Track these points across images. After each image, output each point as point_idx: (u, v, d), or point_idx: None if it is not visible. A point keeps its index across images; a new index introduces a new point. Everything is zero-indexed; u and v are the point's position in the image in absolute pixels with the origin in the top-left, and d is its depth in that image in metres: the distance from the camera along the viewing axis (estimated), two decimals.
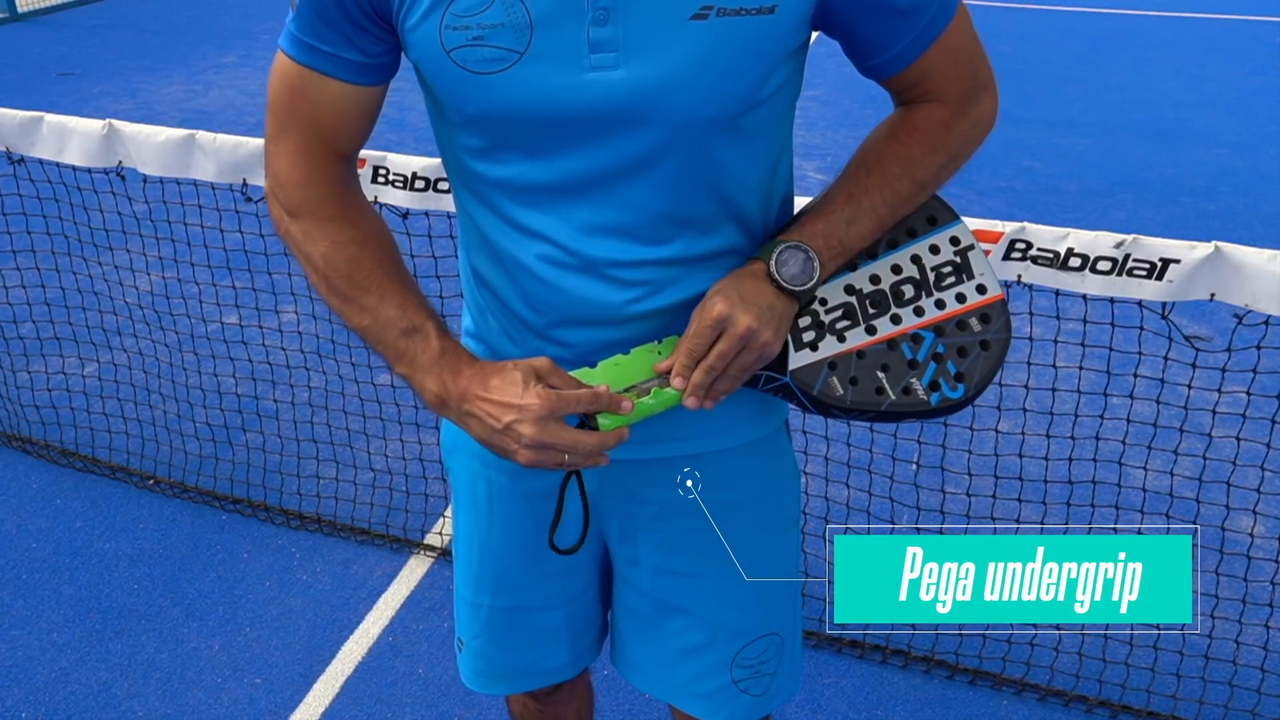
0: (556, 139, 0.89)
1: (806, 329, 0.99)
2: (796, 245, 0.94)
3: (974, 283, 1.02)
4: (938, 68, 0.95)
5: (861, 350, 0.99)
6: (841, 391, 0.98)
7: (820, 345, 0.98)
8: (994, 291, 1.02)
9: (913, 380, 0.98)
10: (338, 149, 0.99)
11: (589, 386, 0.93)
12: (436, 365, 0.94)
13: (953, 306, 1.01)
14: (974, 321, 1.01)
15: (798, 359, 0.98)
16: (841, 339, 0.99)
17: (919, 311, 1.00)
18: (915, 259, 1.01)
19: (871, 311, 1.00)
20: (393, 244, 1.01)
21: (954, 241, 1.02)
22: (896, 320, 1.00)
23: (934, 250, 1.02)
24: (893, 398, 0.98)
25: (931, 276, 1.01)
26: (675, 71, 0.85)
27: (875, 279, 1.01)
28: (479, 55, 0.86)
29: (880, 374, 0.98)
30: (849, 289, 1.00)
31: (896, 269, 1.01)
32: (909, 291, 1.01)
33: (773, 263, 0.93)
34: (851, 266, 1.01)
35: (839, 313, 1.00)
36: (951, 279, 1.01)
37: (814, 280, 0.94)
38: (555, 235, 0.94)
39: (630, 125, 0.87)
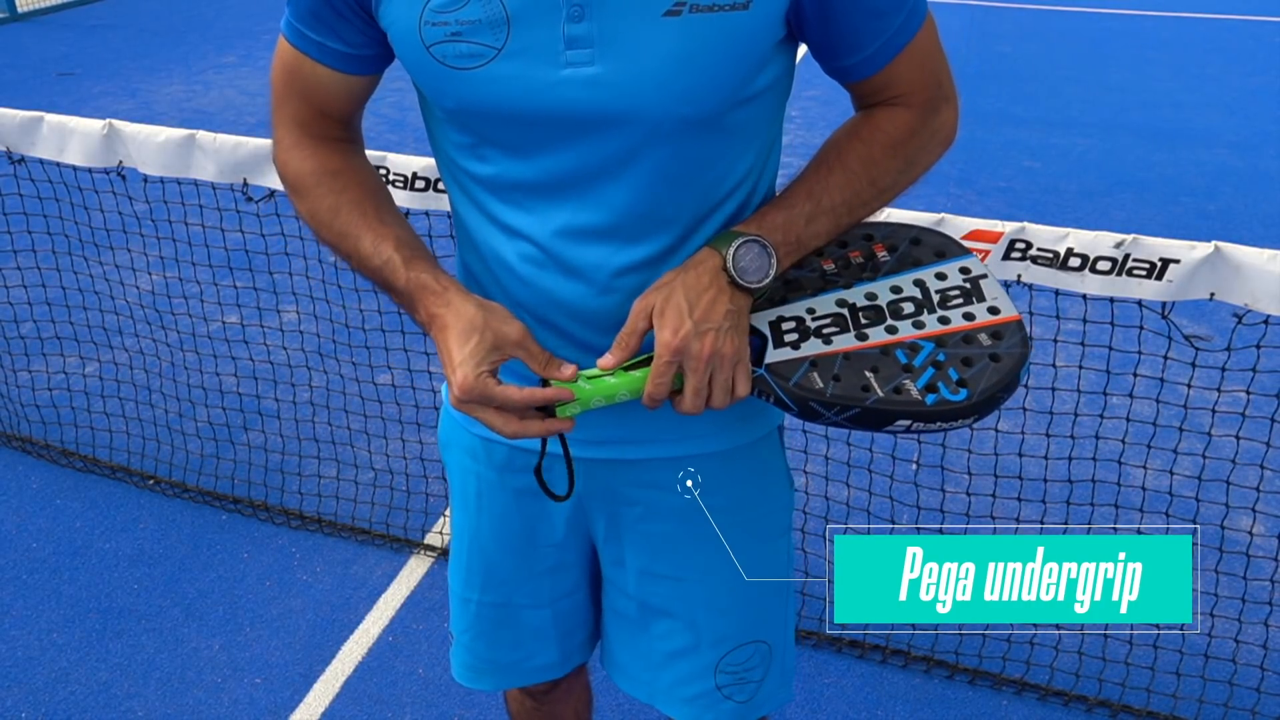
0: (535, 136, 0.89)
1: (789, 331, 0.94)
2: (755, 239, 0.91)
3: (985, 304, 0.95)
4: (904, 75, 0.95)
5: (849, 353, 0.93)
6: (821, 385, 0.91)
7: (803, 345, 0.94)
8: (1008, 313, 0.95)
9: (905, 381, 0.91)
10: (332, 117, 1.04)
11: (561, 376, 0.91)
12: (405, 296, 0.96)
13: (959, 323, 0.94)
14: (983, 337, 0.93)
15: (776, 355, 0.93)
16: (828, 342, 0.94)
17: (919, 325, 0.94)
18: (918, 282, 0.96)
19: (864, 322, 0.95)
20: (377, 188, 1.03)
21: (964, 270, 0.97)
22: (892, 330, 0.94)
23: (940, 277, 0.97)
24: (880, 394, 0.90)
25: (936, 297, 0.96)
26: (649, 68, 0.85)
27: (871, 295, 0.96)
28: (457, 51, 0.87)
29: (868, 374, 0.91)
30: (841, 302, 0.96)
31: (896, 289, 0.96)
32: (908, 308, 0.95)
33: (730, 256, 0.90)
34: (847, 285, 0.97)
35: (827, 320, 0.95)
36: (959, 300, 0.95)
37: (769, 276, 0.92)
38: (536, 236, 0.94)
39: (606, 123, 0.87)
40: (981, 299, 0.95)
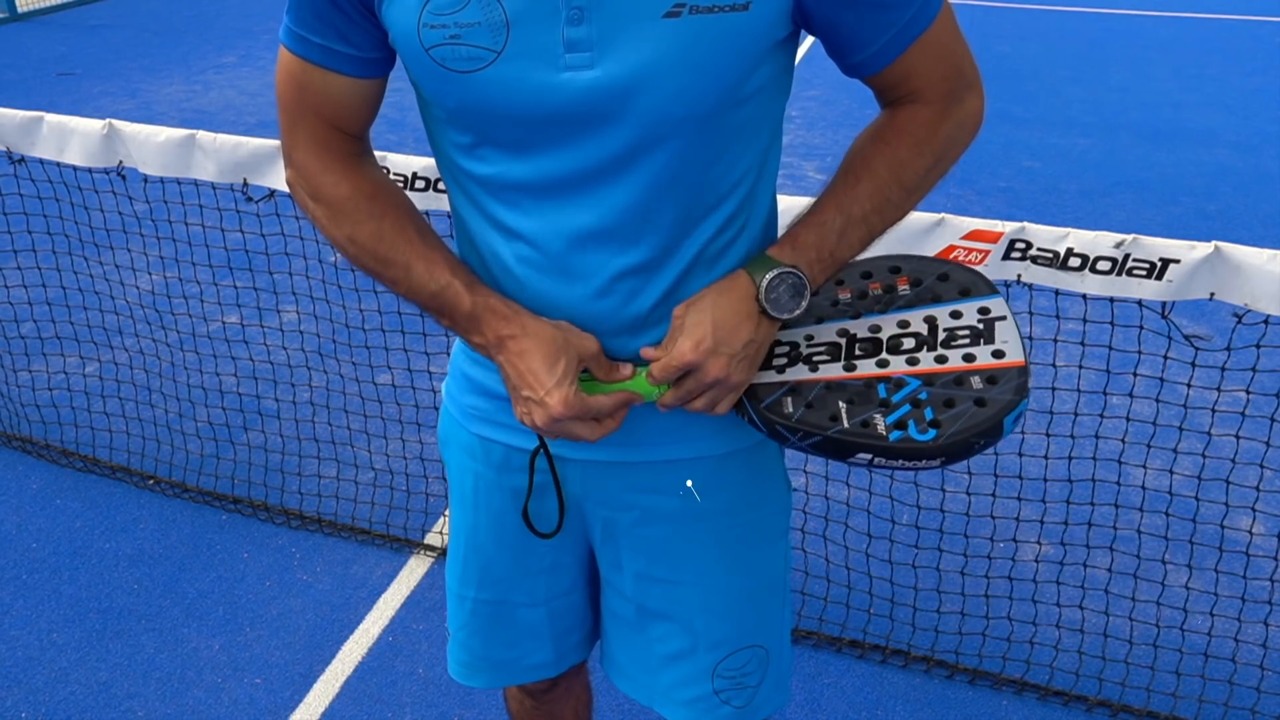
0: (535, 137, 0.89)
1: (779, 355, 0.96)
2: (790, 270, 0.93)
3: (991, 347, 0.93)
4: (920, 67, 0.93)
5: (831, 382, 0.94)
6: (790, 410, 0.92)
7: (787, 370, 0.95)
8: (1013, 358, 0.92)
9: (876, 415, 0.90)
10: (348, 131, 1.02)
11: (621, 378, 0.96)
12: (473, 321, 0.97)
13: (955, 363, 0.92)
14: (975, 379, 0.91)
15: (759, 376, 0.95)
16: (814, 369, 0.95)
17: (913, 361, 0.93)
18: (928, 319, 0.96)
19: (858, 353, 0.95)
20: (412, 209, 1.03)
21: (982, 311, 0.95)
22: (883, 364, 0.94)
23: (955, 315, 0.95)
24: (845, 425, 0.90)
25: (941, 336, 0.94)
26: (648, 70, 0.85)
27: (875, 328, 0.96)
28: (457, 54, 0.86)
29: (841, 404, 0.92)
30: (842, 332, 0.97)
31: (903, 324, 0.95)
32: (908, 344, 0.94)
33: (763, 288, 0.93)
34: (854, 315, 0.97)
35: (821, 348, 0.96)
36: (965, 340, 0.94)
37: (802, 307, 0.94)
38: (534, 237, 0.94)
39: (606, 124, 0.87)
40: (990, 341, 0.93)
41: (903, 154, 0.96)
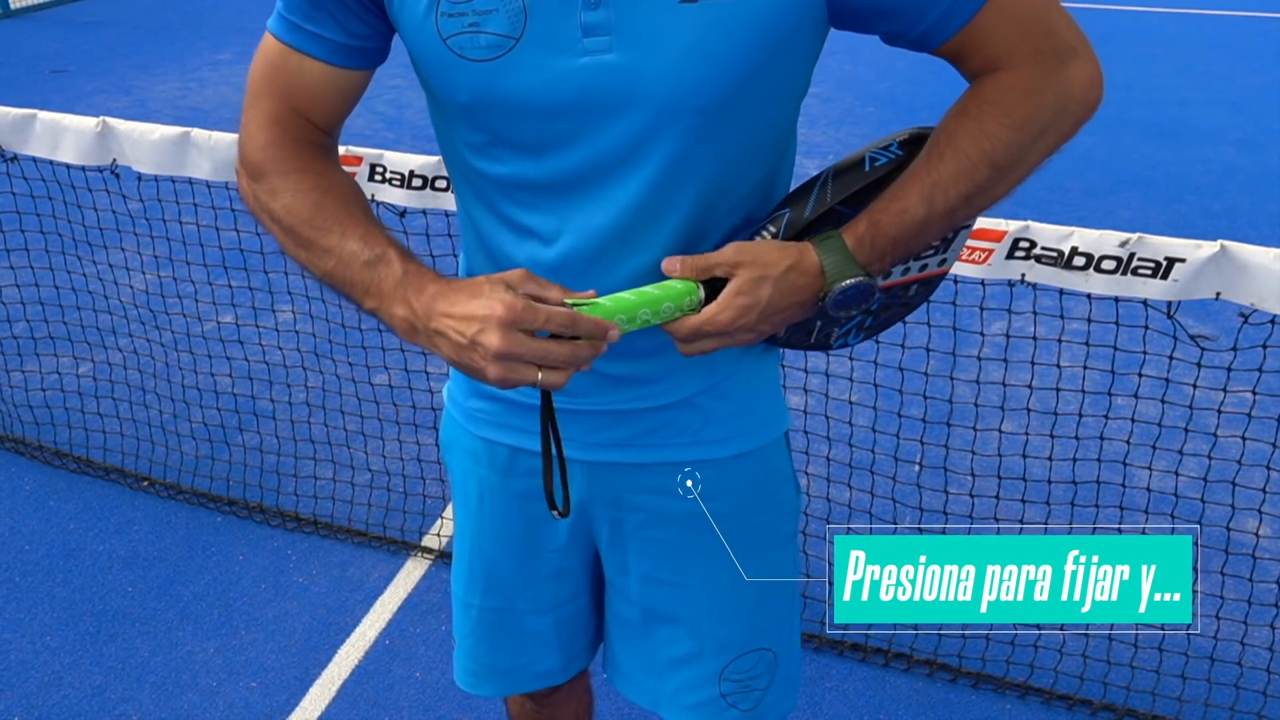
0: (549, 131, 0.87)
1: None
2: (864, 285, 0.89)
3: (940, 256, 0.99)
4: (996, 32, 0.84)
5: None
6: (780, 334, 0.99)
7: None
8: (948, 265, 1.01)
9: (834, 329, 1.01)
10: (315, 122, 0.98)
11: (570, 298, 0.85)
12: (401, 288, 0.86)
13: (914, 274, 0.99)
14: (914, 287, 1.01)
15: None
16: None
17: (885, 275, 0.97)
18: None
19: None
20: (359, 193, 0.97)
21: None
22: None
23: None
24: (810, 342, 1.02)
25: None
26: (666, 55, 0.83)
27: None
28: (476, 42, 0.84)
29: (817, 320, 0.98)
30: None
31: None
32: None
33: (834, 292, 0.90)
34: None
35: None
36: (932, 251, 0.98)
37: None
38: (548, 236, 0.92)
39: (620, 113, 0.85)
40: (946, 249, 0.99)
41: (991, 127, 0.86)
